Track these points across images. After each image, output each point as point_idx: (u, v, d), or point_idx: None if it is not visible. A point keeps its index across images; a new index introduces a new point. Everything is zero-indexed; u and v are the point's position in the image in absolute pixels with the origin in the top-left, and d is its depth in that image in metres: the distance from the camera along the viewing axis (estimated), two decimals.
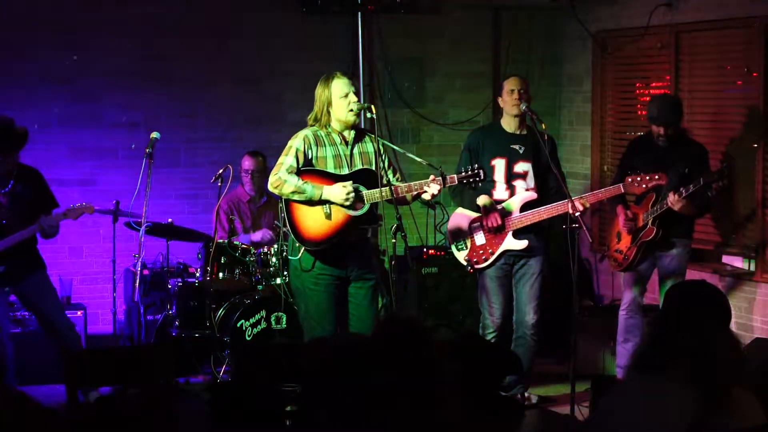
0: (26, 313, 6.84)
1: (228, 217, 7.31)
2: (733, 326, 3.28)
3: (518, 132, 6.37)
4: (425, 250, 7.71)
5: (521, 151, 6.33)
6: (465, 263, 6.36)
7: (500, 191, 6.33)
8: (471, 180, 5.81)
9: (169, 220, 6.96)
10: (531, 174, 6.33)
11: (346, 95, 5.65)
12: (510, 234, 6.26)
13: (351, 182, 5.59)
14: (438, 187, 5.67)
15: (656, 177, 6.10)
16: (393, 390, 2.67)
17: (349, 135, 5.73)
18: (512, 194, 6.32)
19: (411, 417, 2.66)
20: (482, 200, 6.28)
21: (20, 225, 6.19)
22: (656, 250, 6.54)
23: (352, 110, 5.65)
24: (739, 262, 7.21)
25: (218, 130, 8.05)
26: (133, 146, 6.41)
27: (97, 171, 7.78)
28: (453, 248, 6.43)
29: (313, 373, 2.86)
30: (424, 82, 8.49)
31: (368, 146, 5.78)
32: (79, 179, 7.63)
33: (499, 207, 6.30)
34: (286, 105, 8.03)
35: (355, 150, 5.72)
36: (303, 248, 5.68)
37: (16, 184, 6.19)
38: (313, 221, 5.63)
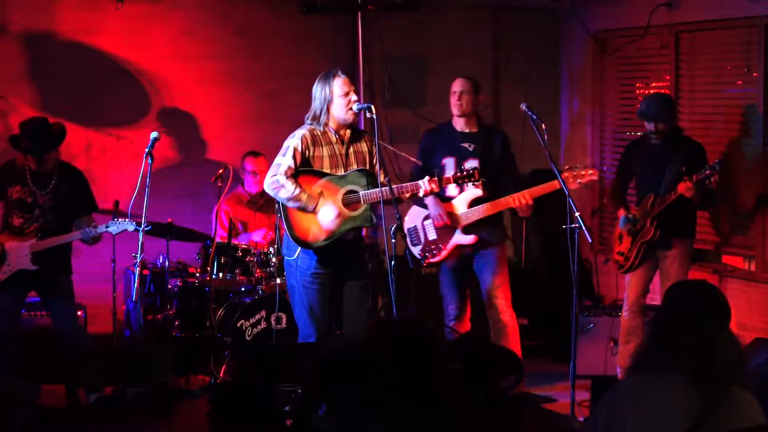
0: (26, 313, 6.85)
1: (228, 217, 7.30)
2: (733, 326, 3.27)
3: (468, 130, 6.60)
4: None
5: (471, 149, 6.56)
6: (419, 258, 6.62)
7: (451, 188, 6.47)
8: (466, 180, 5.88)
9: (169, 220, 6.96)
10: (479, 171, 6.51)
11: (347, 94, 5.65)
12: (459, 230, 6.50)
13: (343, 194, 5.63)
14: (433, 187, 5.72)
15: (590, 172, 6.22)
16: (393, 390, 2.67)
17: (346, 134, 5.74)
18: (461, 191, 6.50)
19: (411, 417, 2.66)
20: (429, 199, 6.47)
21: (63, 225, 6.25)
22: (657, 251, 6.54)
23: (351, 109, 5.66)
24: (739, 262, 7.22)
25: (218, 129, 8.05)
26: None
27: (97, 171, 7.77)
28: (408, 243, 6.64)
29: (313, 374, 2.86)
30: (424, 82, 8.49)
31: (363, 145, 5.80)
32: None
33: (451, 204, 6.52)
34: (286, 105, 8.02)
35: (351, 149, 5.74)
36: (299, 247, 5.70)
37: (59, 184, 6.22)
38: (310, 220, 5.65)
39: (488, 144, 6.55)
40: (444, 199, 6.52)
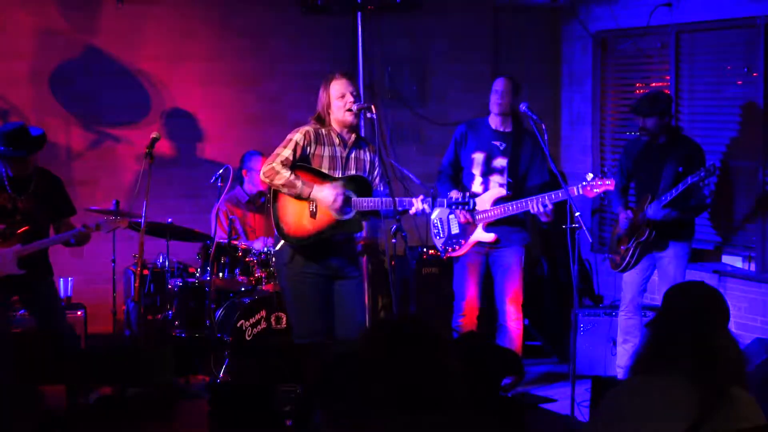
0: (25, 312, 6.85)
1: (228, 217, 7.31)
2: (732, 326, 3.28)
3: (502, 129, 6.64)
4: (425, 250, 7.72)
5: (501, 148, 6.61)
6: (441, 250, 6.75)
7: (476, 185, 6.61)
8: (459, 206, 5.87)
9: (169, 220, 6.96)
10: (506, 170, 6.59)
11: (343, 96, 5.66)
12: (480, 227, 6.57)
13: (342, 184, 5.63)
14: (428, 209, 5.69)
15: (607, 182, 6.20)
16: (394, 391, 2.67)
17: (350, 138, 5.76)
18: (486, 188, 6.59)
19: (411, 418, 2.66)
20: (454, 195, 6.46)
21: (43, 229, 6.27)
22: (654, 251, 6.55)
23: (350, 110, 5.66)
24: (739, 262, 7.22)
25: (218, 129, 8.05)
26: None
27: (98, 171, 7.78)
28: (431, 235, 6.78)
29: (314, 375, 2.86)
30: (424, 82, 8.49)
31: (366, 154, 5.82)
32: (79, 179, 7.63)
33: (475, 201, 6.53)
34: (286, 105, 8.03)
35: (352, 154, 5.76)
36: (289, 248, 5.72)
37: (37, 189, 6.22)
38: (298, 217, 5.67)
39: (519, 145, 6.59)
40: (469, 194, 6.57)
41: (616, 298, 7.84)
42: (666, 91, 7.50)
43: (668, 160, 6.41)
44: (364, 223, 5.81)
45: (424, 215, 5.84)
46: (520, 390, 6.53)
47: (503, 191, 6.53)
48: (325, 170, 5.69)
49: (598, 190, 6.23)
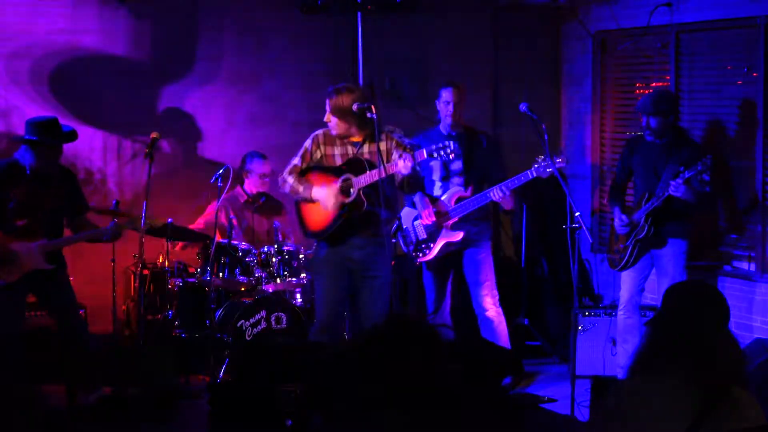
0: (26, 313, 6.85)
1: (227, 217, 7.31)
2: (733, 326, 3.28)
3: (453, 132, 6.85)
4: None
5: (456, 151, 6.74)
6: (412, 257, 6.87)
7: (436, 189, 6.84)
8: (440, 152, 5.96)
9: (169, 220, 6.96)
10: (463, 170, 6.83)
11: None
12: (446, 228, 6.74)
13: (339, 186, 5.94)
14: (409, 163, 5.81)
15: (558, 161, 6.37)
16: (392, 391, 2.67)
17: (362, 136, 6.01)
18: (446, 189, 6.81)
19: (411, 418, 2.66)
20: (417, 199, 6.73)
21: (62, 226, 6.33)
22: (652, 249, 6.55)
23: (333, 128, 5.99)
24: (739, 262, 7.21)
25: (218, 129, 8.05)
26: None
27: (98, 171, 7.78)
28: (401, 244, 6.89)
29: (313, 376, 2.86)
30: (424, 82, 8.49)
31: (382, 145, 6.00)
32: (80, 179, 7.62)
33: (438, 202, 6.78)
34: (286, 105, 8.03)
35: (365, 149, 6.01)
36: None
37: (60, 184, 6.23)
38: (313, 212, 6.07)
39: (471, 144, 6.81)
40: (431, 198, 6.75)
41: (616, 297, 7.83)
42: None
43: (670, 160, 6.41)
44: (365, 200, 5.93)
45: (412, 172, 5.94)
46: (520, 390, 6.53)
47: (461, 190, 6.74)
48: None
49: (551, 170, 6.35)
